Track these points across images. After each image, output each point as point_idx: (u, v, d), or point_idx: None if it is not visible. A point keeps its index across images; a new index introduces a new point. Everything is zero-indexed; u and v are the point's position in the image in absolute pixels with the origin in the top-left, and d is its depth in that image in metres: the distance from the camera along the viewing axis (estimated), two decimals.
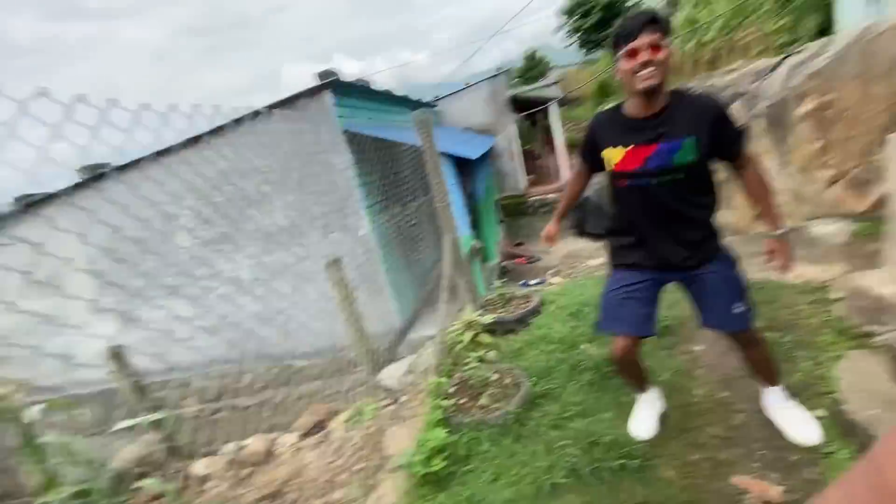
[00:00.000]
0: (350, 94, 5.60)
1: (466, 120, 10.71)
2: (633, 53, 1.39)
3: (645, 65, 1.37)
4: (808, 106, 3.86)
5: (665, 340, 2.85)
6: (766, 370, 1.86)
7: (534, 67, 29.31)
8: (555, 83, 14.45)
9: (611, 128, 1.61)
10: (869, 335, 2.35)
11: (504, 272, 7.57)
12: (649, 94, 1.43)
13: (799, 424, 1.84)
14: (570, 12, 26.48)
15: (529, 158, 14.03)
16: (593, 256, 5.33)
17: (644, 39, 1.37)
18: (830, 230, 3.75)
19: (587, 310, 3.42)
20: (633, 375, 2.00)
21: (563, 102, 13.23)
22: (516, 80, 20.30)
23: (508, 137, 11.62)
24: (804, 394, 2.08)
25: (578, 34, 26.62)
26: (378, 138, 5.01)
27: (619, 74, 1.48)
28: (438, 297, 3.51)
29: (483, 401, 2.54)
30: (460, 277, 3.77)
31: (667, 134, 1.48)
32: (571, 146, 17.66)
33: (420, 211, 5.12)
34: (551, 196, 11.86)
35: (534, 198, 12.06)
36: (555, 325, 3.24)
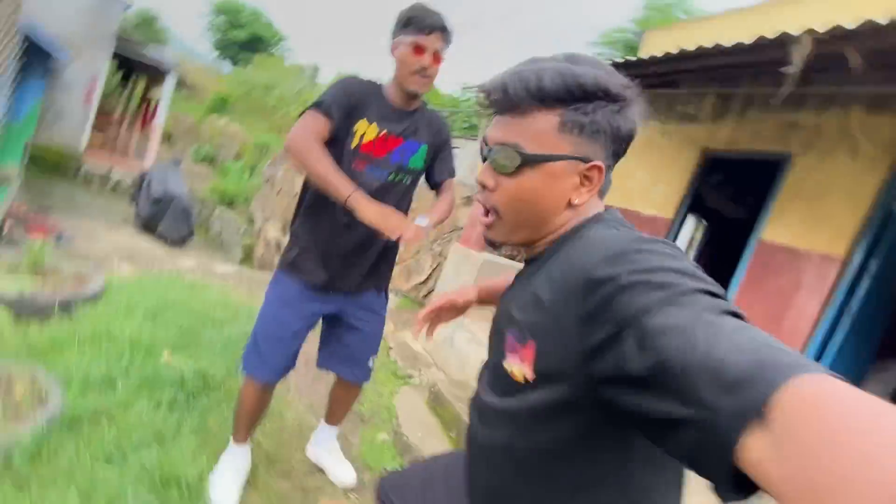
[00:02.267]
0: None
1: (50, 16, 7.17)
2: (419, 49, 1.36)
3: (425, 69, 1.38)
4: None
5: None
6: (344, 410, 1.90)
7: (148, 30, 24.25)
8: (177, 64, 12.38)
9: (372, 101, 1.44)
10: (411, 376, 3.08)
11: (4, 241, 4.97)
12: (413, 97, 1.45)
13: (338, 467, 1.89)
14: (219, 11, 24.55)
15: (104, 115, 10.80)
16: (166, 258, 4.43)
17: (434, 43, 1.36)
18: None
19: (171, 313, 2.71)
20: (254, 420, 1.67)
21: (179, 85, 11.38)
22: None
23: (92, 73, 8.60)
24: (374, 419, 2.41)
25: (220, 35, 24.80)
26: None
27: (396, 54, 1.41)
28: None
29: None
30: None
31: (414, 134, 1.49)
32: (167, 137, 15.15)
33: None
34: (117, 175, 9.33)
35: (92, 165, 9.07)
36: (123, 322, 2.34)
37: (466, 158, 11.17)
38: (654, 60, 2.27)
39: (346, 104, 1.40)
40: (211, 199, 9.84)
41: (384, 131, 1.42)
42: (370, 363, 1.71)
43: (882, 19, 1.28)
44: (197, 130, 17.54)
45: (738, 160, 3.74)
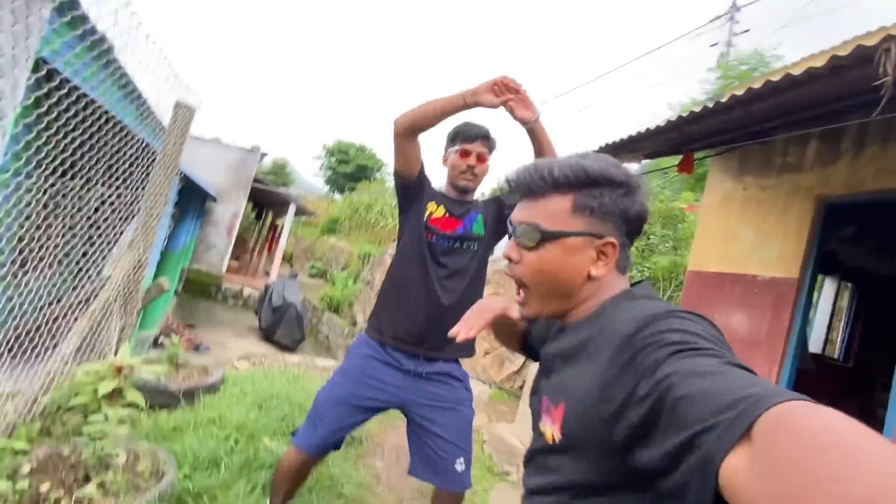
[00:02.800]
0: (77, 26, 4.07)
1: (200, 171, 9.30)
2: (465, 153, 1.58)
3: (471, 168, 1.59)
4: (487, 290, 5.09)
5: (351, 450, 2.62)
6: None
7: (279, 174, 29.67)
8: (297, 197, 14.81)
9: (438, 193, 1.67)
10: (508, 472, 2.80)
11: (157, 347, 5.89)
12: (464, 191, 1.63)
13: None
14: (331, 152, 29.46)
15: (241, 243, 12.92)
16: (278, 356, 4.83)
17: (477, 147, 1.58)
18: (479, 389, 4.66)
19: (276, 402, 2.89)
20: (291, 489, 1.69)
21: (299, 213, 13.41)
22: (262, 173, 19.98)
23: (234, 211, 10.56)
24: None
25: (330, 171, 29.40)
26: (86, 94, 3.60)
27: (446, 163, 1.66)
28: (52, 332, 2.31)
29: (88, 490, 1.56)
30: (122, 314, 2.67)
31: (469, 212, 1.64)
32: (287, 258, 17.58)
33: (96, 202, 3.62)
34: (247, 291, 10.84)
35: (228, 285, 10.70)
36: (233, 409, 2.55)
37: None
38: (721, 107, 2.17)
39: (427, 178, 1.65)
40: (320, 307, 10.81)
41: (448, 213, 1.61)
42: (458, 466, 1.56)
43: None
44: (312, 249, 20.10)
45: (868, 203, 3.23)
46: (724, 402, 0.38)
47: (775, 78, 1.79)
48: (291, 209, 12.12)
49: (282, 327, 8.05)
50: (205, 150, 9.44)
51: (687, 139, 3.37)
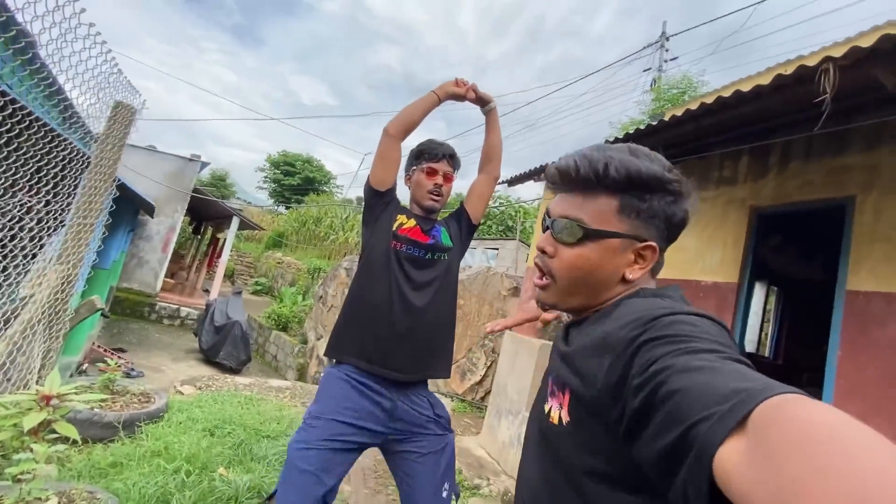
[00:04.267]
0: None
1: (133, 181, 8.60)
2: (431, 172, 1.56)
3: (438, 187, 1.57)
4: None
5: None
6: None
7: (218, 186, 28.26)
8: (240, 210, 14.11)
9: (405, 209, 1.63)
10: (478, 486, 2.74)
11: (81, 375, 5.29)
12: (431, 210, 1.60)
13: None
14: (275, 164, 28.45)
15: (177, 259, 12.05)
16: (225, 379, 4.49)
17: (444, 167, 1.57)
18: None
19: (229, 428, 2.67)
20: None
21: (242, 226, 12.75)
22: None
23: (170, 225, 9.84)
24: None
25: (275, 184, 28.34)
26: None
27: (410, 182, 1.63)
28: None
29: None
30: (46, 336, 2.36)
31: (434, 227, 1.61)
32: (228, 275, 16.59)
33: (18, 211, 3.20)
34: (185, 310, 10.07)
35: (163, 304, 9.89)
36: (181, 439, 2.31)
37: (507, 256, 11.37)
38: (675, 121, 2.32)
39: (391, 197, 1.59)
40: (267, 325, 10.26)
41: (418, 226, 1.55)
42: (443, 493, 1.47)
43: None
44: (255, 265, 19.15)
45: (793, 213, 3.56)
46: (719, 394, 0.38)
47: (708, 100, 1.94)
48: (234, 223, 11.48)
49: (225, 348, 7.53)
50: (138, 158, 8.75)
51: None
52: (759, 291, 6.06)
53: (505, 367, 3.58)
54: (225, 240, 12.25)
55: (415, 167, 1.60)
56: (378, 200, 1.55)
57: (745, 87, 1.80)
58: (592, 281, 0.67)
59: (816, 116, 1.99)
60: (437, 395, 1.60)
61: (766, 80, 1.78)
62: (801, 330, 5.75)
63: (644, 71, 12.54)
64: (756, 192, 3.57)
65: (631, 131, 3.30)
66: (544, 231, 0.73)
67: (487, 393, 4.92)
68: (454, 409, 4.54)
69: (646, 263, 0.67)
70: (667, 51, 12.09)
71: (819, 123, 1.62)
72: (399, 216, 1.56)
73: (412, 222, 1.55)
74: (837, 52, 1.49)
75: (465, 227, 1.65)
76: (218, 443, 2.46)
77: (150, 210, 7.34)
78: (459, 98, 1.58)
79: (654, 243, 0.66)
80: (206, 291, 12.07)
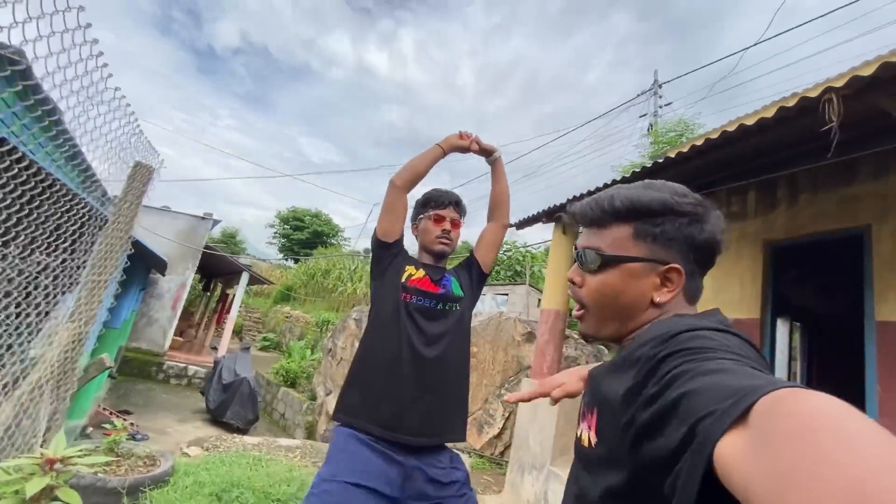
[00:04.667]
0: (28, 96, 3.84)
1: (149, 239, 8.78)
2: (439, 219, 1.58)
3: (446, 233, 1.57)
4: None
5: None
6: None
7: (229, 243, 28.81)
8: (249, 265, 14.26)
9: (414, 260, 1.62)
10: None
11: (86, 439, 5.12)
12: (441, 256, 1.60)
13: None
14: (285, 220, 29.12)
15: (186, 317, 12.04)
16: (233, 438, 4.32)
17: (450, 213, 1.59)
18: None
19: (237, 492, 2.52)
20: None
21: (252, 281, 12.83)
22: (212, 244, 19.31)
23: (181, 283, 9.93)
24: None
25: (284, 239, 28.84)
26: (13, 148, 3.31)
27: (418, 231, 1.64)
28: None
29: None
30: (53, 397, 2.30)
31: (444, 276, 1.58)
32: (236, 331, 16.49)
33: (35, 270, 3.23)
34: (192, 369, 9.92)
35: (170, 363, 9.76)
36: None
37: (517, 301, 11.23)
38: (681, 157, 2.35)
39: (399, 250, 1.57)
40: (275, 382, 10.03)
41: (428, 276, 1.53)
42: None
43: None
44: (263, 321, 19.05)
45: (809, 245, 3.51)
46: (726, 391, 0.39)
47: (714, 135, 1.97)
48: (244, 277, 11.57)
49: (233, 407, 7.32)
50: (152, 218, 9.00)
51: None
52: (782, 327, 5.87)
53: (526, 417, 3.41)
54: (234, 295, 12.29)
55: (422, 216, 1.62)
56: (385, 252, 1.54)
57: (749, 122, 1.83)
58: (620, 306, 0.70)
59: (821, 148, 2.00)
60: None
61: (769, 114, 1.81)
62: (831, 365, 5.50)
63: (640, 117, 12.97)
64: (768, 225, 3.55)
65: (629, 175, 3.36)
66: (574, 263, 0.78)
67: (507, 447, 4.67)
68: (472, 466, 4.29)
69: (673, 286, 0.67)
70: (660, 97, 12.56)
71: (831, 150, 1.63)
72: (408, 267, 1.54)
73: (421, 272, 1.53)
74: (839, 83, 1.52)
75: (475, 276, 1.63)
76: None
77: (162, 268, 7.43)
78: (463, 150, 1.62)
79: (677, 266, 0.66)
80: (214, 349, 11.95)
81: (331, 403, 7.87)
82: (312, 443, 4.25)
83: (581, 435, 0.67)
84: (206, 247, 10.49)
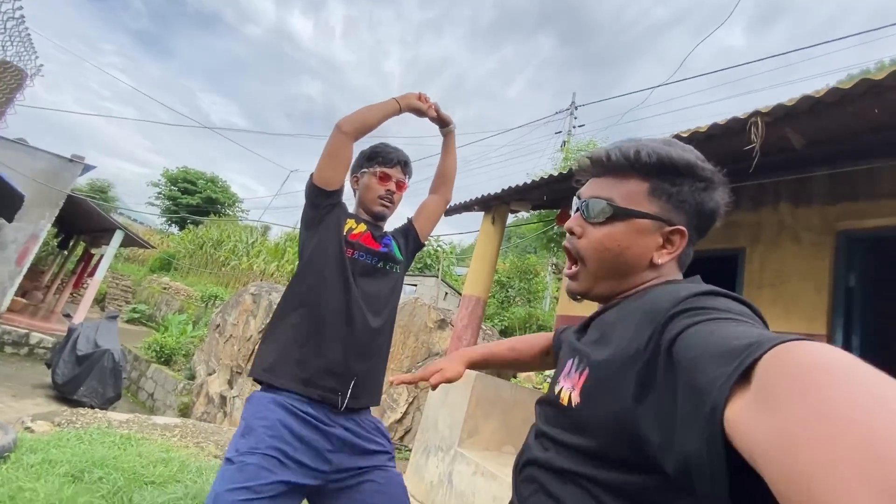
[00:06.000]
0: None
1: (2, 170, 7.09)
2: (384, 177, 1.48)
3: (390, 193, 1.50)
4: None
5: None
6: None
7: (98, 198, 24.82)
8: (122, 227, 12.37)
9: (353, 214, 1.51)
10: None
11: None
12: (380, 217, 1.52)
13: None
14: (173, 180, 25.84)
15: (34, 276, 10.09)
16: (95, 414, 3.68)
17: (397, 173, 1.51)
18: None
19: (101, 472, 2.14)
20: None
21: (126, 243, 11.16)
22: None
23: (32, 233, 8.25)
24: None
25: (169, 202, 25.59)
26: None
27: (358, 185, 1.54)
28: None
29: None
30: None
31: (385, 236, 1.52)
32: (98, 299, 14.17)
33: None
34: (37, 336, 8.30)
35: (7, 327, 8.06)
36: (35, 486, 1.78)
37: (426, 293, 11.32)
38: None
39: (338, 201, 1.44)
40: (146, 357, 8.83)
41: (370, 232, 1.44)
42: None
43: (815, 93, 1.56)
44: (134, 290, 16.70)
45: (693, 260, 4.01)
46: (730, 352, 0.38)
47: None
48: (117, 237, 10.00)
49: (88, 382, 6.28)
50: (4, 152, 7.31)
51: (564, 196, 3.83)
52: None
53: (436, 399, 3.41)
54: (101, 257, 10.58)
55: (365, 169, 1.50)
56: (323, 200, 1.40)
57: (684, 134, 2.02)
58: (621, 262, 0.67)
59: (728, 174, 2.27)
60: None
61: (703, 129, 2.01)
62: None
63: (556, 133, 13.89)
64: None
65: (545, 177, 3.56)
66: (575, 212, 0.74)
67: (407, 432, 4.64)
68: None
69: (674, 248, 0.66)
70: (575, 118, 13.57)
71: (752, 168, 1.85)
72: (348, 220, 1.43)
73: (363, 227, 1.43)
74: (765, 110, 1.74)
75: (412, 243, 1.57)
76: (86, 489, 1.94)
77: (12, 208, 6.08)
78: (419, 113, 1.52)
79: (682, 228, 0.66)
80: (68, 316, 10.14)
81: (213, 384, 7.15)
82: (195, 422, 3.78)
83: (560, 393, 0.64)
84: (70, 196, 8.85)
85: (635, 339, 0.54)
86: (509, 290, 11.73)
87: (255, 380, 1.29)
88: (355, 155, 1.52)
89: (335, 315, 1.29)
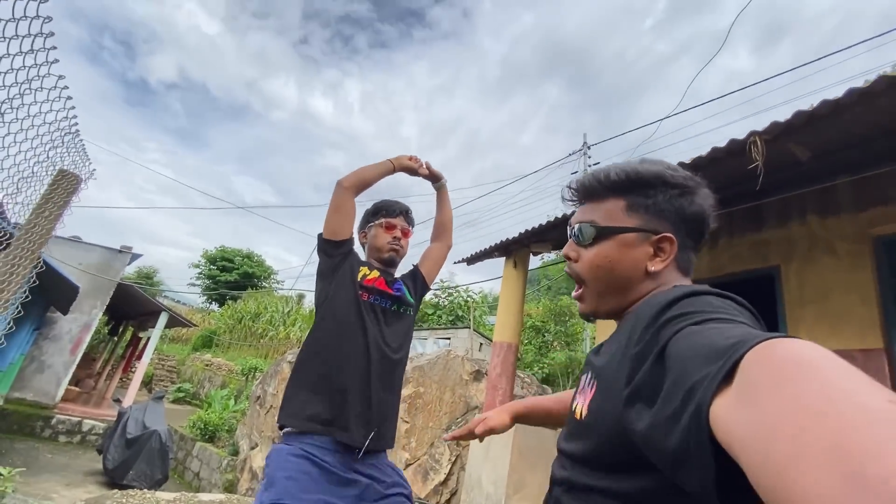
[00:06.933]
0: None
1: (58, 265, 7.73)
2: (390, 226, 1.60)
3: (397, 240, 1.59)
4: (406, 390, 4.76)
5: None
6: None
7: (145, 284, 26.31)
8: (166, 309, 13.01)
9: (366, 262, 1.61)
10: None
11: None
12: (390, 263, 1.62)
13: None
14: (212, 260, 27.24)
15: (87, 363, 10.58)
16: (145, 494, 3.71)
17: (401, 222, 1.62)
18: None
19: None
20: None
21: (171, 324, 11.67)
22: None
23: (85, 323, 8.78)
24: None
25: (209, 281, 26.83)
26: None
27: (366, 239, 1.65)
28: None
29: None
30: None
31: (397, 281, 1.60)
32: (146, 381, 14.66)
33: None
34: (89, 423, 8.57)
35: (62, 416, 8.38)
36: None
37: (459, 345, 11.15)
38: None
39: (349, 252, 1.54)
40: (191, 436, 8.92)
41: (382, 277, 1.53)
42: None
43: (810, 108, 1.59)
44: (179, 370, 17.18)
45: (726, 284, 3.89)
46: (717, 350, 0.39)
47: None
48: (162, 319, 10.49)
49: (138, 465, 6.35)
50: (60, 250, 8.01)
51: None
52: None
53: (478, 457, 3.30)
54: (148, 339, 11.06)
55: (372, 223, 1.63)
56: (336, 250, 1.51)
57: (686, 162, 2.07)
58: (616, 277, 0.70)
59: (743, 193, 2.25)
60: None
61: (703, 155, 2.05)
62: None
63: (572, 174, 14.08)
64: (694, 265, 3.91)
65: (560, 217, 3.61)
66: (569, 239, 0.79)
67: (453, 495, 4.44)
68: None
69: (666, 255, 0.69)
70: (589, 157, 13.78)
71: (758, 185, 1.85)
72: (362, 268, 1.53)
73: (376, 273, 1.53)
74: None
75: (420, 287, 1.65)
76: None
77: (67, 301, 6.54)
78: (412, 172, 1.66)
79: (669, 235, 0.68)
80: (118, 401, 10.49)
81: (256, 458, 7.10)
82: (239, 497, 3.76)
83: (575, 409, 0.67)
84: (120, 284, 9.47)
85: (627, 345, 0.57)
86: (545, 335, 11.43)
87: (279, 426, 1.34)
88: (360, 214, 1.65)
89: (355, 356, 1.35)
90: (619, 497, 0.54)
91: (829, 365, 0.30)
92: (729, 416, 0.33)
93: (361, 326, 1.39)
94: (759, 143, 1.78)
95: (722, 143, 2.10)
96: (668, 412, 0.41)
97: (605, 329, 4.30)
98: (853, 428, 0.26)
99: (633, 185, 0.71)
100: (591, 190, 0.75)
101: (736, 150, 1.91)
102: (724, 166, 2.05)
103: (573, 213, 0.82)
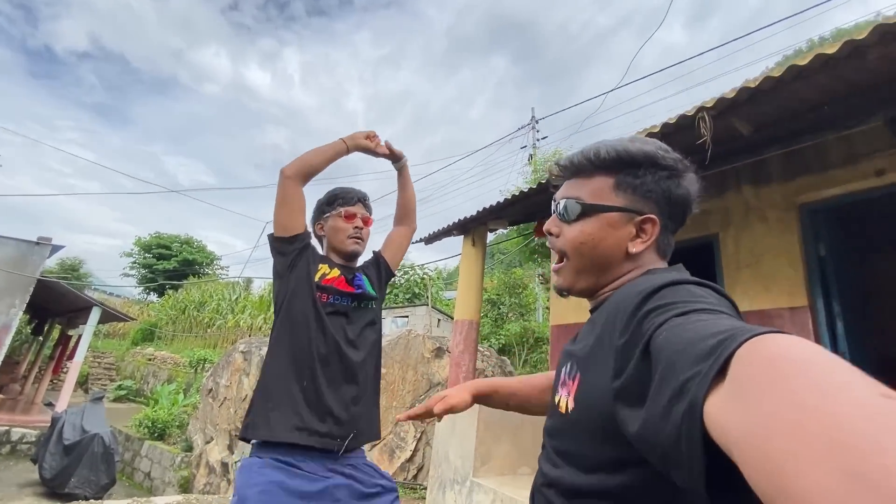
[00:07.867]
0: None
1: None
2: (350, 216, 1.49)
3: (358, 230, 1.49)
4: None
5: None
6: None
7: (70, 277, 24.10)
8: (98, 303, 12.01)
9: (325, 258, 1.51)
10: None
11: None
12: (352, 256, 1.53)
13: None
14: (146, 247, 25.35)
15: (8, 369, 9.65)
16: None
17: (360, 209, 1.51)
18: None
19: None
20: None
21: (105, 319, 10.82)
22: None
23: (4, 322, 7.94)
24: None
25: (145, 270, 25.01)
26: None
27: (324, 231, 1.53)
28: None
29: None
30: None
31: (356, 275, 1.51)
32: (81, 382, 13.58)
33: None
34: (18, 432, 7.86)
35: None
36: None
37: (417, 322, 11.21)
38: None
39: (306, 246, 1.44)
40: (138, 435, 8.44)
41: (343, 276, 1.44)
42: None
43: (754, 83, 1.68)
44: (118, 366, 16.08)
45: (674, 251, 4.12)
46: (705, 347, 0.39)
47: None
48: (94, 314, 9.69)
49: (79, 471, 5.95)
50: None
51: (538, 208, 3.92)
52: None
53: (444, 431, 3.35)
54: (80, 337, 10.21)
55: (328, 214, 1.50)
56: (288, 247, 1.40)
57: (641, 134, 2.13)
58: (598, 255, 0.69)
59: (694, 163, 2.37)
60: None
61: (656, 129, 2.11)
62: None
63: (521, 148, 14.25)
64: None
65: (518, 193, 3.66)
66: (552, 214, 0.77)
67: (420, 469, 4.52)
68: None
69: (647, 237, 0.68)
70: (538, 131, 13.97)
71: (707, 162, 1.94)
72: (321, 266, 1.44)
73: (336, 272, 1.43)
74: (710, 104, 1.85)
75: (384, 274, 1.58)
76: None
77: None
78: (369, 151, 1.51)
79: (653, 216, 0.68)
80: (50, 405, 9.69)
81: (213, 452, 6.86)
82: (198, 496, 3.61)
83: (559, 402, 0.65)
84: (40, 280, 8.59)
85: (611, 335, 0.56)
86: (500, 307, 11.72)
87: (246, 440, 1.27)
88: (311, 204, 1.52)
89: (320, 359, 1.30)
90: (613, 496, 0.54)
91: (821, 360, 0.31)
92: (723, 413, 0.33)
93: (321, 329, 1.33)
94: (706, 118, 1.85)
95: (663, 117, 2.18)
96: (660, 409, 0.41)
97: (559, 300, 4.45)
98: (850, 423, 0.26)
99: (623, 164, 0.69)
100: (581, 166, 0.73)
101: (685, 124, 1.98)
102: (674, 141, 2.12)
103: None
